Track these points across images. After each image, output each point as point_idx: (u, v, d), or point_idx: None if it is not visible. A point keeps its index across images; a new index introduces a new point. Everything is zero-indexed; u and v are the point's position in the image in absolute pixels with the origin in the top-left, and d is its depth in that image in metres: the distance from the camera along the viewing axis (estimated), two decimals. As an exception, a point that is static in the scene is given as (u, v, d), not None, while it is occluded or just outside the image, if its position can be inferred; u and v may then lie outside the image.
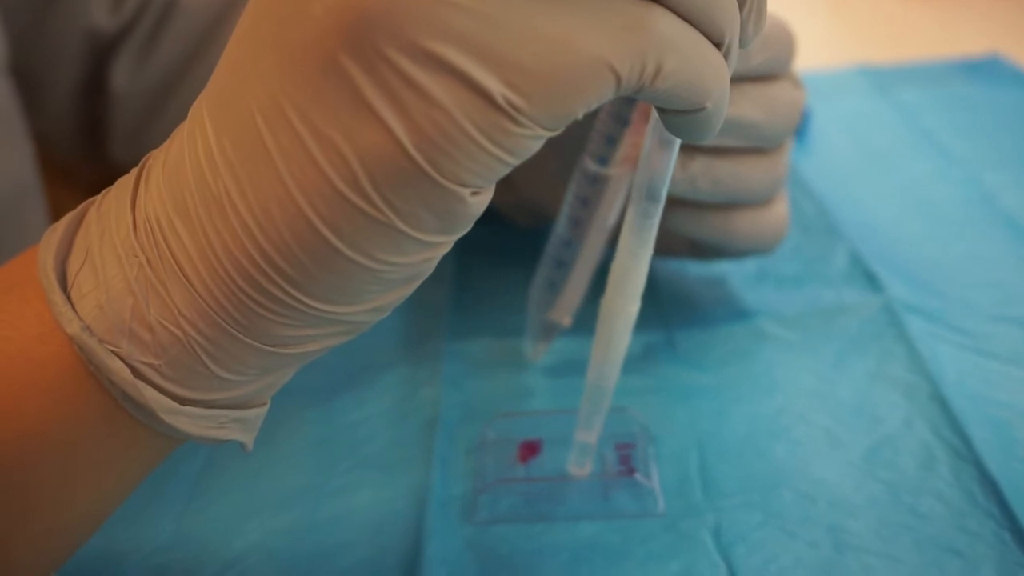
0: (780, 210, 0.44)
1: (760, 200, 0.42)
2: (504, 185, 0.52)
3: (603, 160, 0.39)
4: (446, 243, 0.26)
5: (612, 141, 0.39)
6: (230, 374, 0.27)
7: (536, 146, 0.25)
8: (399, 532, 0.36)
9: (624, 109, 0.38)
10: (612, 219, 0.40)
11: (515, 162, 0.25)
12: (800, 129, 0.66)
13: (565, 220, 0.40)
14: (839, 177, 0.61)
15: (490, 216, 0.56)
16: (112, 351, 0.26)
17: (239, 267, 0.25)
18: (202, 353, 0.26)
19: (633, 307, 0.33)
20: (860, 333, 0.45)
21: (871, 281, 0.48)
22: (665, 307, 0.48)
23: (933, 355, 0.43)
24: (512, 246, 0.53)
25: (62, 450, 0.27)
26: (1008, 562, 0.33)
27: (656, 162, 0.29)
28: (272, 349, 0.27)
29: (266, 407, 0.30)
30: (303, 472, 0.39)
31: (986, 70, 0.75)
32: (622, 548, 0.35)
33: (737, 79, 0.39)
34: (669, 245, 0.46)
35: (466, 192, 0.25)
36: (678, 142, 0.29)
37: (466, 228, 0.26)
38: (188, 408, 0.27)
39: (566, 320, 0.42)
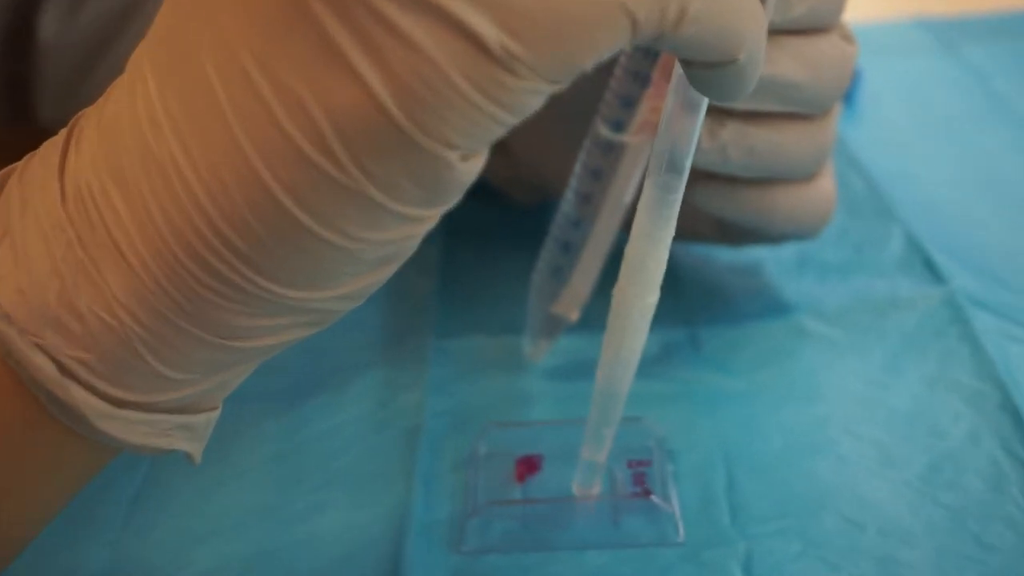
0: (825, 187, 0.44)
1: (802, 175, 0.42)
2: (501, 154, 0.51)
3: (618, 125, 0.39)
4: (430, 218, 0.26)
5: (629, 103, 0.39)
6: (174, 371, 0.27)
7: (537, 103, 0.25)
8: (373, 562, 0.36)
9: (643, 64, 0.38)
10: (628, 195, 0.40)
11: (512, 121, 0.24)
12: (849, 92, 0.65)
13: (573, 196, 0.40)
14: (894, 149, 0.61)
15: (484, 192, 0.56)
16: (35, 343, 0.26)
17: (185, 244, 0.25)
18: (141, 346, 0.26)
19: (651, 298, 0.33)
20: (918, 331, 0.45)
21: (931, 270, 0.48)
22: (688, 300, 0.48)
23: (1004, 357, 0.43)
24: (510, 227, 0.53)
25: None
26: (1090, 601, 0.33)
27: (679, 126, 0.29)
28: (224, 342, 0.27)
29: (217, 412, 0.30)
30: (261, 491, 0.39)
31: (1068, 23, 0.75)
32: (635, 582, 0.34)
33: (776, 31, 0.38)
34: (694, 227, 0.46)
35: (454, 156, 0.24)
36: (705, 103, 0.29)
37: (454, 200, 0.26)
38: (125, 412, 0.27)
39: (573, 314, 0.42)
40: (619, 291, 0.33)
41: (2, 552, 0.29)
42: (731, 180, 0.42)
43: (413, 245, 0.27)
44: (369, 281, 0.27)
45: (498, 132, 0.25)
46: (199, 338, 0.26)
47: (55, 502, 0.30)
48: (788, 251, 0.50)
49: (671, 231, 0.32)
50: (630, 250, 0.32)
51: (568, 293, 0.42)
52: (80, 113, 0.28)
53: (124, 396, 0.27)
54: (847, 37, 0.42)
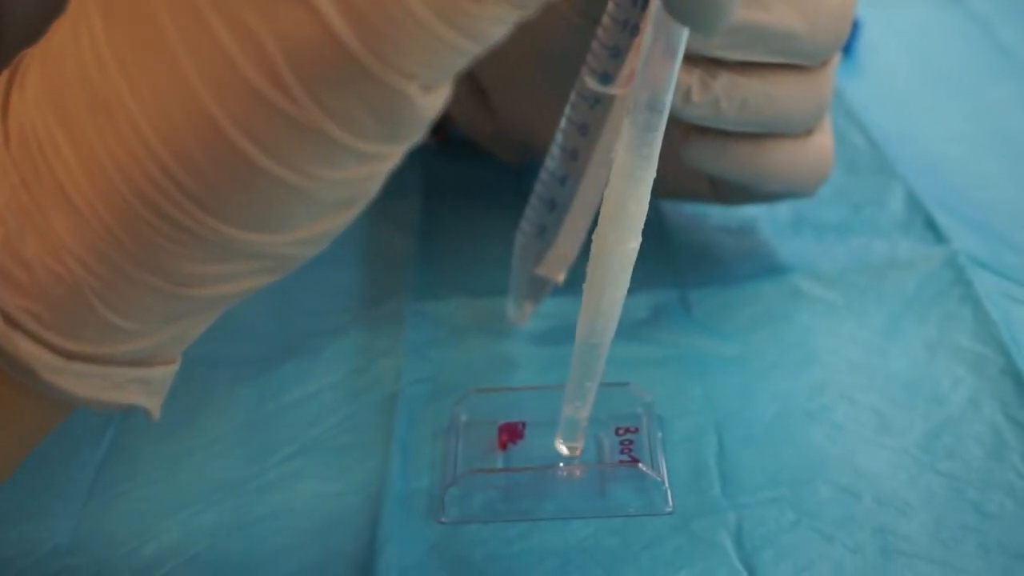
0: (823, 142, 0.44)
1: (798, 129, 0.42)
2: (483, 110, 0.52)
3: (606, 77, 0.39)
4: (390, 155, 0.26)
5: (617, 54, 0.39)
6: (127, 321, 0.27)
7: (501, 31, 0.25)
8: (350, 533, 0.36)
9: (632, 13, 0.38)
10: (616, 150, 0.40)
11: (475, 49, 0.25)
12: (848, 43, 0.66)
13: (559, 152, 0.40)
14: (895, 103, 0.61)
15: (466, 148, 0.56)
16: None
17: (134, 186, 0.25)
18: (92, 295, 0.26)
19: (632, 243, 0.33)
20: (918, 294, 0.45)
21: (932, 230, 0.48)
22: (679, 260, 0.48)
23: (1006, 321, 0.43)
24: (492, 185, 0.53)
25: None
26: (1091, 571, 0.33)
27: (658, 64, 0.29)
28: (177, 289, 0.27)
29: (175, 365, 0.30)
30: (232, 461, 0.40)
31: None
32: (622, 553, 0.35)
33: None
34: (686, 184, 0.46)
35: (413, 87, 0.24)
36: (685, 35, 0.29)
37: (415, 136, 0.26)
38: (76, 364, 0.27)
39: (559, 276, 0.42)
40: (599, 237, 0.33)
41: None
42: (724, 135, 0.42)
43: (374, 188, 0.27)
44: (328, 226, 0.27)
45: (460, 63, 0.25)
46: (152, 286, 0.27)
47: (6, 462, 0.30)
48: (783, 210, 0.51)
49: (652, 172, 0.32)
50: (610, 193, 0.32)
51: (554, 254, 0.42)
52: (23, 52, 0.27)
53: (75, 348, 0.27)
54: None
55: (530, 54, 0.47)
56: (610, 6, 0.38)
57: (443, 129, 0.58)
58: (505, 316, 0.44)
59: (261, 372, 0.43)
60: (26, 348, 0.27)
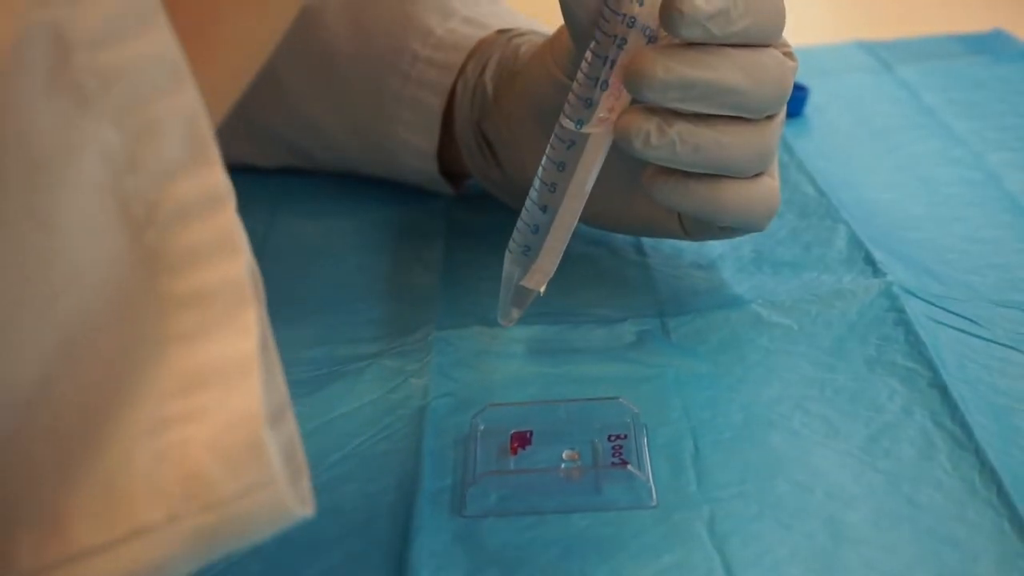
0: (770, 184, 0.43)
1: (746, 173, 0.42)
2: (489, 161, 0.52)
3: (580, 123, 0.39)
4: None
5: (590, 104, 0.39)
6: None
7: None
8: (387, 526, 0.36)
9: (601, 71, 0.39)
10: (589, 184, 0.40)
11: None
12: (797, 106, 0.66)
13: (540, 185, 0.40)
14: (839, 157, 0.61)
15: (481, 200, 0.56)
16: None
17: None
18: None
19: None
20: (859, 319, 0.45)
21: (871, 265, 0.48)
22: (659, 293, 0.48)
23: (933, 341, 0.43)
24: (502, 229, 0.53)
25: None
26: (1007, 553, 0.33)
27: None
28: None
29: None
30: (289, 466, 0.40)
31: (989, 45, 0.75)
32: (614, 541, 0.35)
33: (720, 43, 0.38)
34: (658, 221, 0.46)
35: None
36: None
37: None
38: None
39: (541, 287, 0.42)
40: None
41: (257, 30, 0.28)
42: (684, 175, 0.41)
43: None
44: None
45: None
46: None
47: (257, 51, 0.28)
48: (745, 249, 0.51)
49: None
50: None
51: (536, 268, 0.42)
52: None
53: None
54: (788, 54, 0.42)
55: (528, 110, 0.47)
56: (583, 64, 0.39)
57: (463, 183, 0.58)
58: (497, 318, 0.44)
59: (311, 392, 0.43)
60: None
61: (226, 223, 0.24)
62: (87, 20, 0.22)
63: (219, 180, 0.24)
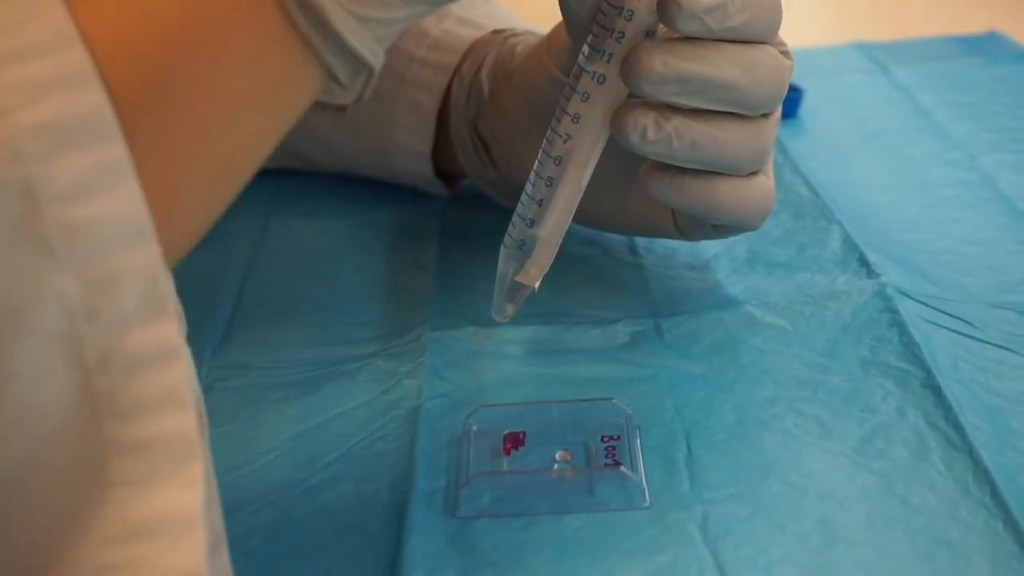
0: (765, 183, 0.43)
1: (743, 170, 0.42)
2: (484, 160, 0.52)
3: (576, 117, 0.39)
4: None
5: (587, 99, 0.39)
6: None
7: None
8: (381, 527, 0.36)
9: (599, 66, 0.38)
10: (585, 180, 0.40)
11: None
12: (792, 107, 0.66)
13: (536, 179, 0.40)
14: (833, 159, 0.61)
15: (474, 200, 0.56)
16: None
17: None
18: None
19: None
20: (853, 320, 0.45)
21: (865, 266, 0.48)
22: (653, 294, 0.48)
23: (927, 342, 0.43)
24: (496, 230, 0.53)
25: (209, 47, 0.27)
26: (1000, 553, 0.33)
27: None
28: None
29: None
30: (284, 468, 0.40)
31: (984, 46, 0.75)
32: (607, 542, 0.35)
33: (717, 38, 0.38)
34: (652, 219, 0.46)
35: None
36: None
37: None
38: (350, 22, 0.28)
39: (536, 283, 0.41)
40: None
41: (239, 165, 0.29)
42: (680, 171, 0.41)
43: None
44: None
45: None
46: None
47: (266, 138, 0.29)
48: (740, 250, 0.51)
49: None
50: None
51: (531, 264, 0.41)
52: None
53: (356, 10, 0.28)
54: (784, 53, 0.42)
55: (524, 108, 0.47)
56: (580, 58, 0.39)
57: (457, 184, 0.58)
58: (491, 313, 0.42)
59: (306, 393, 0.43)
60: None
61: (176, 377, 0.25)
62: (59, 177, 0.23)
63: (173, 334, 0.25)
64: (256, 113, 0.29)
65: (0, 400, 0.23)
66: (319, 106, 0.31)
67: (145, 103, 0.26)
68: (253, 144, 0.29)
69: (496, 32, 0.54)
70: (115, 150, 0.24)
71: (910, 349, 0.43)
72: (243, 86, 0.28)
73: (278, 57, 0.28)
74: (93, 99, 0.24)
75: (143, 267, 0.24)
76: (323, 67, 0.29)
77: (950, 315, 0.45)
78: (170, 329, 0.25)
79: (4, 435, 0.23)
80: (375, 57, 0.30)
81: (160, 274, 0.24)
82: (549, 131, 0.39)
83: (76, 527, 0.24)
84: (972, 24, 0.79)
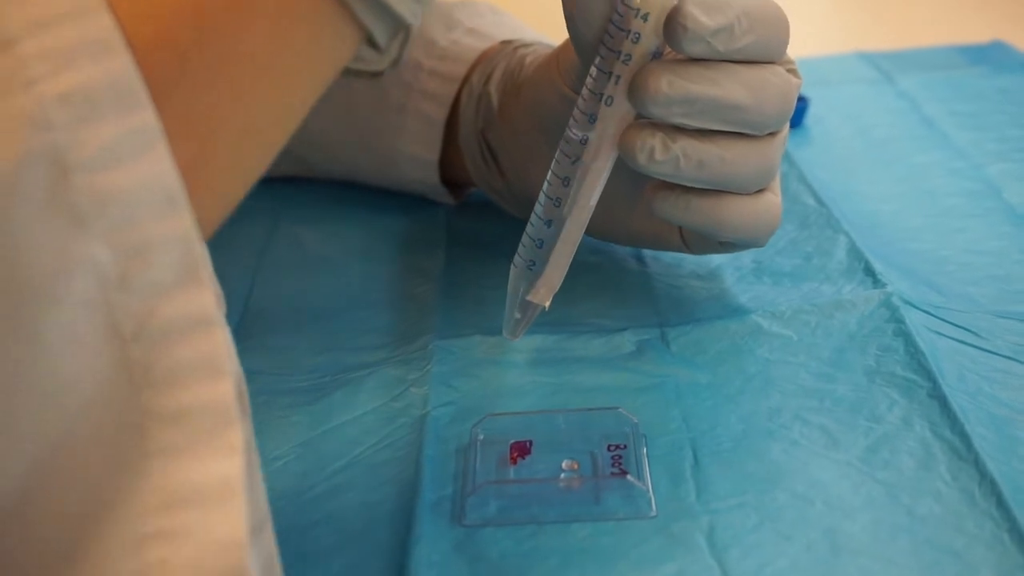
0: (772, 201, 0.43)
1: (748, 188, 0.42)
2: (493, 169, 0.52)
3: (584, 140, 0.39)
4: None
5: (594, 119, 0.39)
6: None
7: None
8: (388, 534, 0.36)
9: (606, 87, 0.38)
10: (594, 199, 0.40)
11: None
12: (798, 116, 0.66)
13: (545, 199, 0.40)
14: (839, 168, 0.61)
15: (481, 209, 0.56)
16: None
17: None
18: None
19: None
20: (859, 330, 0.45)
21: (871, 276, 0.48)
22: (659, 304, 0.48)
23: (933, 351, 0.43)
24: (504, 239, 0.53)
25: (271, 20, 0.26)
26: (1007, 564, 0.33)
27: None
28: None
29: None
30: (291, 475, 0.40)
31: (989, 56, 0.75)
32: (614, 551, 0.35)
33: (724, 59, 0.39)
34: (660, 235, 0.46)
35: None
36: None
37: None
38: None
39: (546, 302, 0.42)
40: None
41: (274, 133, 0.28)
42: (686, 190, 0.41)
43: None
44: None
45: None
46: None
47: (298, 105, 0.28)
48: (746, 259, 0.51)
49: None
50: None
51: (541, 283, 0.41)
52: None
53: None
54: (792, 71, 0.42)
55: (533, 122, 0.47)
56: (588, 80, 0.39)
57: (463, 192, 0.58)
58: (503, 332, 0.43)
59: (313, 401, 0.43)
60: None
61: (213, 345, 0.24)
62: (87, 145, 0.23)
63: (208, 302, 0.24)
64: (289, 77, 0.28)
65: (36, 369, 0.22)
66: (352, 74, 0.30)
67: (175, 68, 0.25)
68: (285, 111, 0.28)
69: (505, 43, 0.54)
70: (144, 117, 0.24)
71: (916, 359, 0.42)
72: (275, 50, 0.27)
73: (311, 18, 0.27)
74: (120, 66, 0.24)
75: (176, 235, 0.24)
76: (358, 27, 0.28)
77: (956, 325, 0.45)
78: (206, 297, 0.24)
79: (41, 405, 0.23)
80: (414, 16, 0.28)
81: (194, 242, 0.24)
82: (558, 152, 0.40)
83: (116, 497, 0.23)
84: (977, 33, 0.79)
